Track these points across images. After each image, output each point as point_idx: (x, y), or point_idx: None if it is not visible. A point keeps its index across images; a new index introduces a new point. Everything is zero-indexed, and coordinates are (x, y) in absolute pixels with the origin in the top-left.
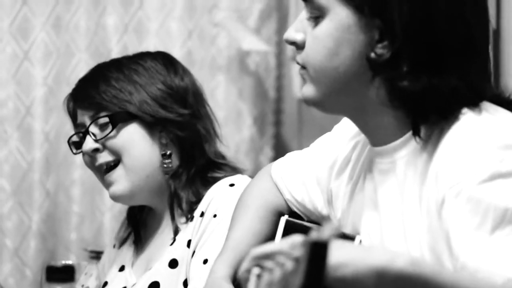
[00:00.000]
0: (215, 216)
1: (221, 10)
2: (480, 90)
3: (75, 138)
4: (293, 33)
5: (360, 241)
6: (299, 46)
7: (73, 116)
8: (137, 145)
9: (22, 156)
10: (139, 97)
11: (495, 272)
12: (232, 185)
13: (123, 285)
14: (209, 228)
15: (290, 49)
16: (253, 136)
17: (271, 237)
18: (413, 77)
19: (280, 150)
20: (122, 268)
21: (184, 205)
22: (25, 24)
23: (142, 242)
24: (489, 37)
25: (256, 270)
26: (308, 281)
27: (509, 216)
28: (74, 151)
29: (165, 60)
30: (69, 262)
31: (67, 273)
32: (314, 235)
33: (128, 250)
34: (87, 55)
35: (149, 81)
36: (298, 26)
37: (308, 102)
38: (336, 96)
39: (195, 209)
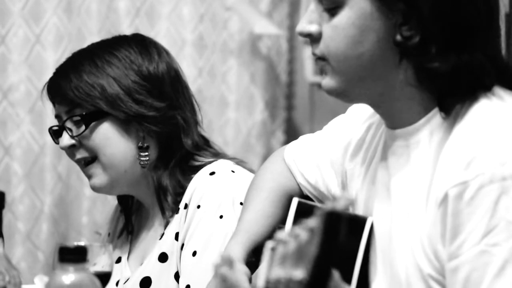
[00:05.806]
0: (198, 207)
1: None
2: (503, 65)
3: (55, 127)
4: (306, 25)
5: (372, 223)
6: (315, 38)
7: (54, 104)
8: (112, 143)
9: (34, 139)
10: (113, 93)
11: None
12: (212, 173)
13: (117, 279)
14: (195, 220)
15: None
16: (265, 120)
17: (283, 219)
18: (443, 57)
19: (291, 134)
20: (118, 260)
21: (169, 198)
22: (36, 8)
23: (136, 232)
24: (499, 9)
25: (270, 244)
26: (323, 251)
27: (504, 225)
28: (56, 140)
29: (140, 46)
30: (82, 243)
31: (80, 254)
32: (329, 205)
33: (124, 241)
34: (99, 38)
35: (123, 73)
36: (312, 17)
37: (331, 93)
38: (362, 84)
39: (180, 201)
